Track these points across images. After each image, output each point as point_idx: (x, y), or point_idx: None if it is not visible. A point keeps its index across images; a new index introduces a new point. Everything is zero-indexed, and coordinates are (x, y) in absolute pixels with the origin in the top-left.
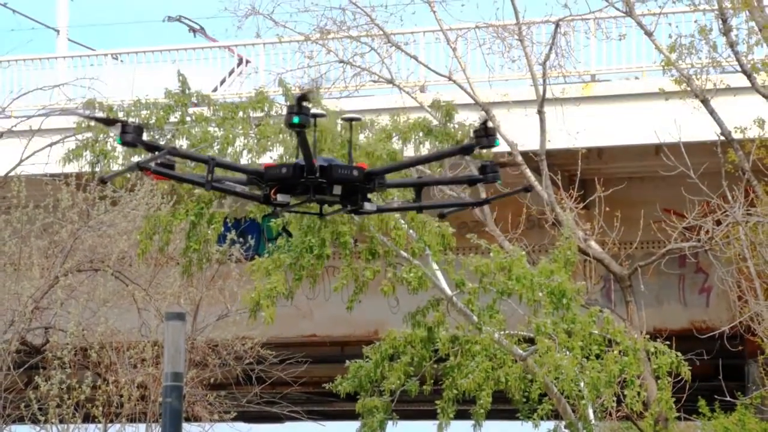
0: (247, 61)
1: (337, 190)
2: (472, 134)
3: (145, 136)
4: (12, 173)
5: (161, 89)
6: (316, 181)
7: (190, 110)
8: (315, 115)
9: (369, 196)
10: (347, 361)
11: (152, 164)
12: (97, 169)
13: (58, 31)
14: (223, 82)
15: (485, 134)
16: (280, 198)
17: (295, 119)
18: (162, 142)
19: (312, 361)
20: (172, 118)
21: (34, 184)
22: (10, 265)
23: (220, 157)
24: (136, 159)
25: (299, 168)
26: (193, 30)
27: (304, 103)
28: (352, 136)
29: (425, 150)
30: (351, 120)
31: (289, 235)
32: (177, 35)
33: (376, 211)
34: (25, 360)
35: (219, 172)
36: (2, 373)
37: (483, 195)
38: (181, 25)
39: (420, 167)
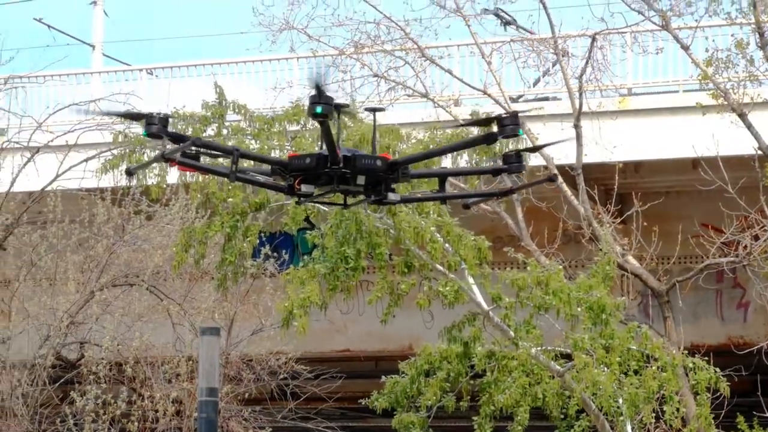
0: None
1: (361, 180)
2: (497, 123)
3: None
4: (48, 188)
5: (197, 102)
6: (340, 171)
7: (227, 122)
8: (338, 106)
9: (393, 186)
10: (382, 377)
11: (177, 156)
12: (134, 182)
13: (93, 47)
14: None
15: (510, 123)
16: (304, 188)
17: (318, 109)
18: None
19: (346, 377)
20: (209, 131)
21: (70, 199)
22: (46, 280)
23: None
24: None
25: (323, 158)
26: (505, 23)
27: (326, 93)
28: (376, 126)
29: (463, 162)
30: (374, 110)
31: (312, 226)
32: (214, 49)
33: (400, 201)
34: (61, 375)
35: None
36: (38, 388)
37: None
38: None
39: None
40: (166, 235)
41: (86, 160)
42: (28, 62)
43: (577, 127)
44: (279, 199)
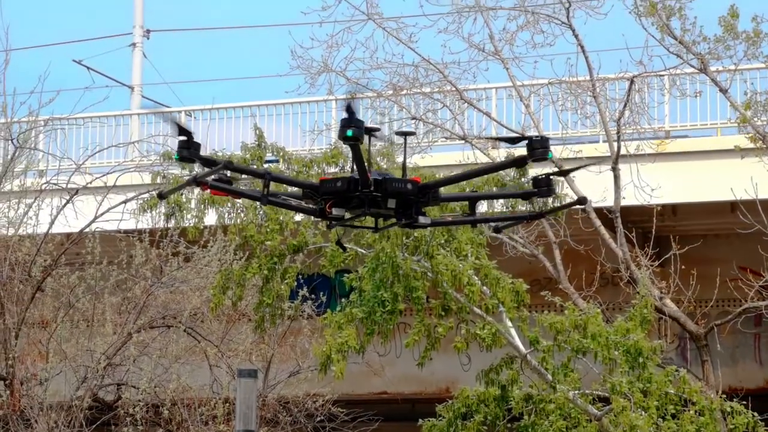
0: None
1: (392, 203)
2: (526, 146)
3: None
4: (86, 230)
5: (236, 144)
6: (371, 194)
7: (265, 165)
8: (370, 130)
9: (423, 210)
10: (419, 420)
11: (210, 180)
12: (171, 223)
13: (132, 89)
14: None
15: (539, 146)
16: (335, 212)
17: (349, 132)
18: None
19: (383, 419)
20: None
21: (108, 240)
22: (84, 322)
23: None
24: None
25: (354, 181)
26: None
27: (356, 116)
28: (406, 149)
29: (499, 206)
30: (405, 134)
31: (344, 249)
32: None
33: (431, 225)
34: (98, 416)
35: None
36: (75, 429)
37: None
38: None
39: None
40: (204, 277)
41: (125, 202)
42: (67, 104)
43: (615, 169)
44: (317, 242)
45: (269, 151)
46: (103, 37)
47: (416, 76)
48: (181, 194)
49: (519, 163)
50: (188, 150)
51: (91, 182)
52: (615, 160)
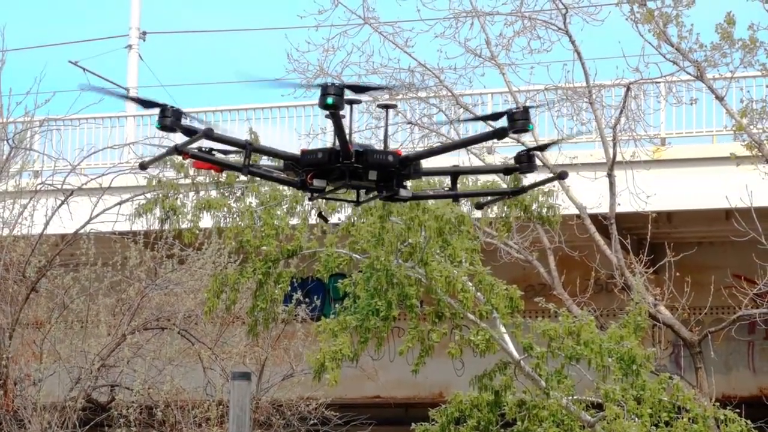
0: None
1: (373, 175)
2: (507, 118)
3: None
4: (81, 231)
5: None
6: (352, 166)
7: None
8: (351, 101)
9: (405, 183)
10: (412, 424)
11: (192, 149)
12: (167, 226)
13: (128, 90)
14: None
15: (521, 117)
16: (316, 183)
17: (329, 100)
18: (231, 200)
19: (376, 423)
20: (243, 176)
21: (102, 242)
22: (78, 323)
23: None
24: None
25: (335, 153)
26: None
27: (336, 85)
28: (387, 124)
29: (492, 214)
30: (387, 107)
31: (325, 220)
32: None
33: (412, 198)
34: (91, 417)
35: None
36: (68, 430)
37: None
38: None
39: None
40: (198, 279)
41: (120, 204)
42: (63, 105)
43: (610, 176)
44: (312, 247)
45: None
46: (99, 39)
47: (412, 81)
48: (176, 198)
49: (499, 134)
50: (170, 118)
51: (86, 183)
52: (610, 166)
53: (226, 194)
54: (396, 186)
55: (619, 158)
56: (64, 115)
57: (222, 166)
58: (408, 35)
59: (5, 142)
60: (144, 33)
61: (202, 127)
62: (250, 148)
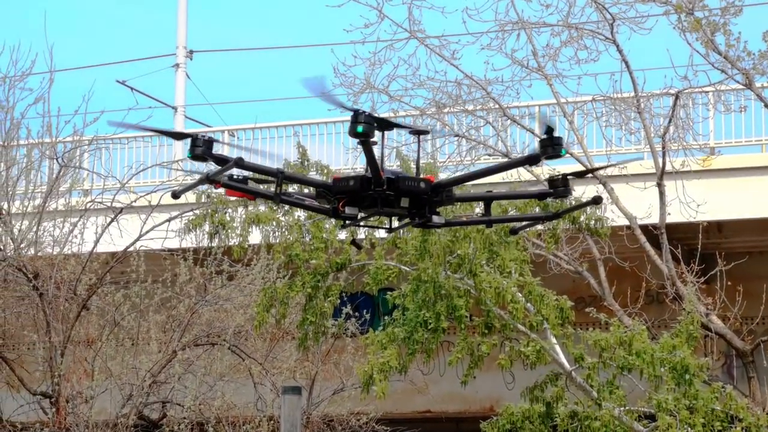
0: None
1: (405, 202)
2: (537, 144)
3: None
4: (131, 248)
5: (279, 164)
6: (384, 193)
7: None
8: (383, 127)
9: (438, 210)
10: None
11: (223, 178)
12: (216, 242)
13: (175, 109)
14: None
15: (551, 143)
16: (348, 211)
17: (359, 129)
18: (280, 214)
19: None
20: (291, 189)
21: (152, 258)
22: (129, 340)
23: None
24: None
25: (367, 180)
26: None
27: (366, 113)
28: (420, 148)
29: (540, 226)
30: (419, 133)
31: (359, 248)
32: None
33: (445, 225)
34: None
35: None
36: None
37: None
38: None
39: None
40: (248, 295)
41: (169, 220)
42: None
43: (660, 186)
44: (360, 259)
45: (313, 168)
46: (146, 58)
47: (459, 93)
48: (225, 213)
49: (532, 160)
50: (201, 148)
51: (135, 201)
52: (660, 176)
53: (275, 208)
54: (428, 213)
55: (668, 168)
56: (112, 134)
57: (254, 195)
58: (454, 47)
59: (55, 160)
60: (191, 52)
61: (234, 155)
62: (281, 176)
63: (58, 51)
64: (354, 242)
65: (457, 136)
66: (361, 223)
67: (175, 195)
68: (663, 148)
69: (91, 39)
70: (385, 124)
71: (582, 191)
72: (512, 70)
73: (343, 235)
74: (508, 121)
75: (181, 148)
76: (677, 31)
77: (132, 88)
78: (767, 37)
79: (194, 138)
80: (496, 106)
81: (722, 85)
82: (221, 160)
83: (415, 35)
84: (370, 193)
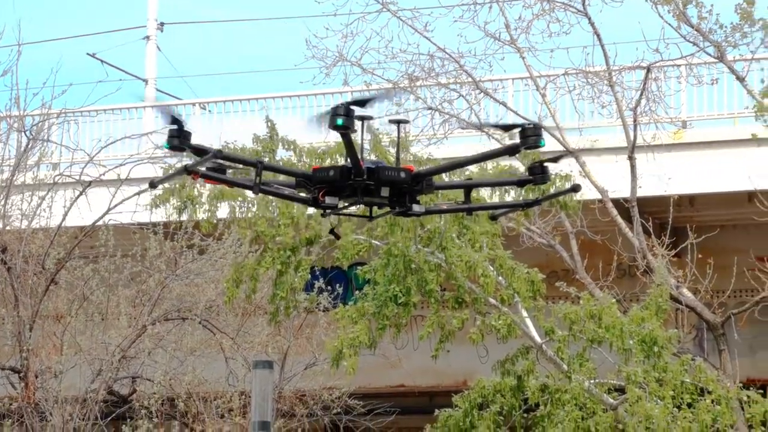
0: None
1: (385, 192)
2: (518, 134)
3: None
4: (100, 222)
5: (250, 137)
6: (364, 183)
7: (278, 156)
8: (361, 118)
9: (418, 198)
10: (436, 411)
11: (202, 168)
12: (184, 217)
13: (146, 82)
14: None
15: (532, 134)
16: (328, 200)
17: (339, 121)
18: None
19: (400, 412)
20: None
21: (121, 232)
22: (98, 314)
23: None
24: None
25: (347, 170)
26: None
27: (347, 105)
28: (400, 138)
29: (509, 198)
30: (399, 122)
31: (337, 237)
32: (267, 83)
33: (425, 213)
34: (112, 410)
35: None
36: (89, 422)
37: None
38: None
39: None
40: (219, 269)
41: (138, 194)
42: (80, 97)
43: (631, 159)
44: (330, 235)
45: (281, 143)
46: (116, 30)
47: (432, 66)
48: (193, 188)
49: (512, 150)
50: (178, 138)
51: (104, 174)
52: (631, 149)
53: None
54: (409, 202)
55: (640, 141)
56: (81, 106)
57: (233, 185)
58: (427, 20)
59: (23, 133)
60: (162, 24)
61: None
62: (261, 166)
63: (26, 23)
64: (333, 232)
65: (430, 109)
66: (341, 212)
67: (153, 184)
68: (634, 121)
69: (60, 11)
70: (362, 103)
71: (554, 164)
72: (485, 43)
73: (311, 210)
74: (481, 95)
75: (151, 120)
76: (649, 3)
77: (102, 61)
78: (739, 9)
79: (172, 129)
80: (469, 79)
81: (694, 58)
82: (200, 151)
83: (387, 7)
84: (350, 183)
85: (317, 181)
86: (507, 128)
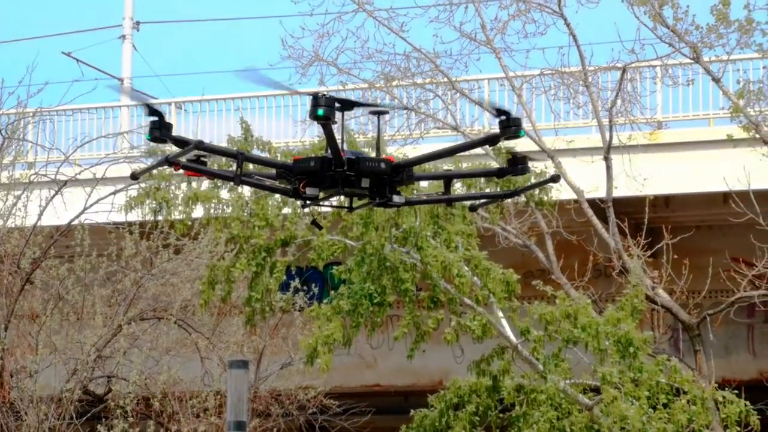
0: None
1: (366, 182)
2: (498, 125)
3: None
4: (75, 221)
5: (225, 137)
6: (344, 173)
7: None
8: (342, 108)
9: (398, 189)
10: (412, 411)
11: (183, 160)
12: (160, 217)
13: (122, 81)
14: None
15: (510, 124)
16: (309, 191)
17: (320, 111)
18: (225, 189)
19: (376, 411)
20: (234, 166)
21: (97, 232)
22: (74, 314)
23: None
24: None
25: (327, 161)
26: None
27: (327, 96)
28: (380, 129)
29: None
30: (379, 113)
31: (319, 227)
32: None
33: (405, 204)
34: (88, 409)
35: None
36: (65, 422)
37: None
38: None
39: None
40: (195, 269)
41: (114, 194)
42: (56, 96)
43: (607, 159)
44: (305, 236)
45: (256, 144)
46: (92, 29)
47: (408, 66)
48: (168, 189)
49: (492, 141)
50: (160, 130)
51: (79, 173)
52: (607, 150)
53: (219, 185)
54: (389, 193)
55: (615, 142)
56: (56, 105)
57: (214, 176)
58: (403, 20)
59: None
60: (138, 23)
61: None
62: (241, 157)
63: (1, 22)
64: (314, 222)
65: (406, 109)
66: (322, 203)
67: (134, 176)
68: (610, 122)
69: (36, 10)
70: (346, 105)
71: (530, 164)
72: (461, 44)
73: (286, 210)
74: (457, 95)
75: (127, 119)
76: (625, 4)
77: (78, 60)
78: (715, 10)
79: (153, 122)
80: (445, 79)
81: (669, 58)
82: (181, 142)
83: (364, 7)
84: (331, 174)
85: (298, 172)
86: (500, 112)
